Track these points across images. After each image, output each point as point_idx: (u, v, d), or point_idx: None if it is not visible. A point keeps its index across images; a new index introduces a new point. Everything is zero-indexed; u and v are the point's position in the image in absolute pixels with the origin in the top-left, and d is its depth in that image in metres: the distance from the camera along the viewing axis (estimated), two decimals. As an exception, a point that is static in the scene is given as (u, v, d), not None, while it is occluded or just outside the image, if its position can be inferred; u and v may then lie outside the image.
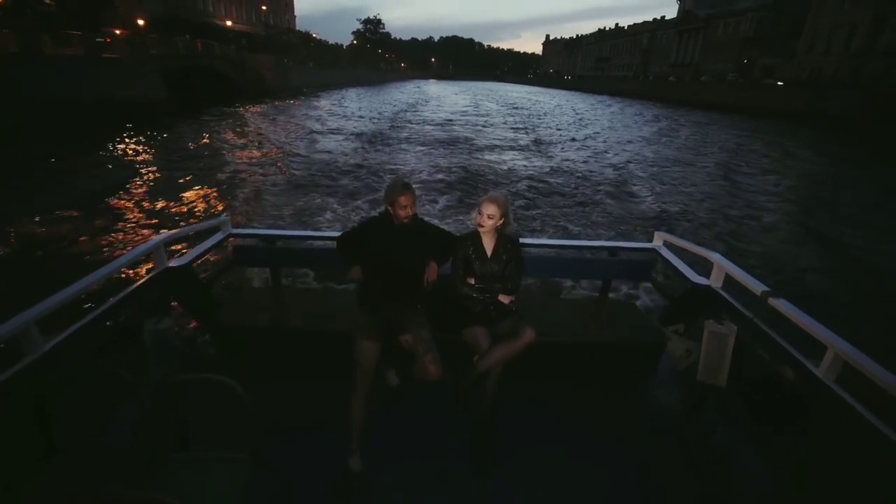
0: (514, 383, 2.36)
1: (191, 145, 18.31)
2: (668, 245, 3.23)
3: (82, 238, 8.11)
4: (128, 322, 2.33)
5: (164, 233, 2.86)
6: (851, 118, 28.18)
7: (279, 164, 14.88)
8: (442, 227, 2.69)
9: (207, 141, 19.33)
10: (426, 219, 2.58)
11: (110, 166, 14.13)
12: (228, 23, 56.84)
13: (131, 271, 2.43)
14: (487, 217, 2.36)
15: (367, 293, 2.46)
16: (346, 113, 33.87)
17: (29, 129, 16.61)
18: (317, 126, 25.85)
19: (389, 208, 2.37)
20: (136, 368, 2.18)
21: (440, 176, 13.49)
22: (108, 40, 25.37)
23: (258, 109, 32.85)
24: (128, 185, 11.75)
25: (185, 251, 3.03)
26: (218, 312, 2.90)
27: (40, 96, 18.57)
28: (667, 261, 3.12)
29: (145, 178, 12.71)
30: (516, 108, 42.20)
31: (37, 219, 8.70)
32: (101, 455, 1.95)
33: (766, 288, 2.45)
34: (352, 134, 22.85)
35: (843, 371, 2.01)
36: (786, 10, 48.46)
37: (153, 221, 9.24)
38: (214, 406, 1.88)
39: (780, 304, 2.32)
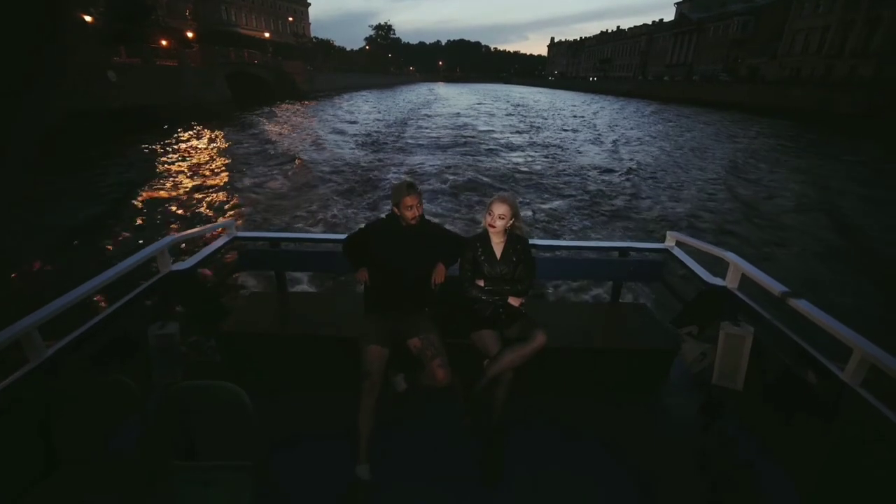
0: (523, 389, 2.08)
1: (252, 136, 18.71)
2: (680, 245, 2.86)
3: (108, 229, 7.80)
4: (131, 327, 2.08)
5: (170, 235, 2.58)
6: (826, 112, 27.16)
7: (303, 161, 14.48)
8: (449, 227, 2.38)
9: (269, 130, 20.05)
10: (433, 219, 2.27)
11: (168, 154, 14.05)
12: (266, 35, 56.06)
13: (136, 275, 2.15)
14: (499, 217, 2.06)
15: (374, 296, 2.17)
16: (367, 111, 33.72)
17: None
18: (341, 122, 25.81)
19: (395, 209, 2.09)
20: (140, 374, 1.94)
21: (448, 176, 12.73)
22: (189, 50, 26.99)
23: (295, 107, 33.56)
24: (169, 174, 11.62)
25: (191, 253, 2.75)
26: (223, 317, 2.64)
27: (179, 99, 20.84)
28: (680, 261, 2.75)
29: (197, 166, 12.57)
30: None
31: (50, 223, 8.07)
32: (104, 464, 1.74)
33: (784, 288, 2.12)
34: (371, 130, 22.42)
35: (868, 374, 1.74)
36: (769, 13, 46.13)
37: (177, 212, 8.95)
38: (219, 414, 1.66)
39: (801, 305, 2.00)
